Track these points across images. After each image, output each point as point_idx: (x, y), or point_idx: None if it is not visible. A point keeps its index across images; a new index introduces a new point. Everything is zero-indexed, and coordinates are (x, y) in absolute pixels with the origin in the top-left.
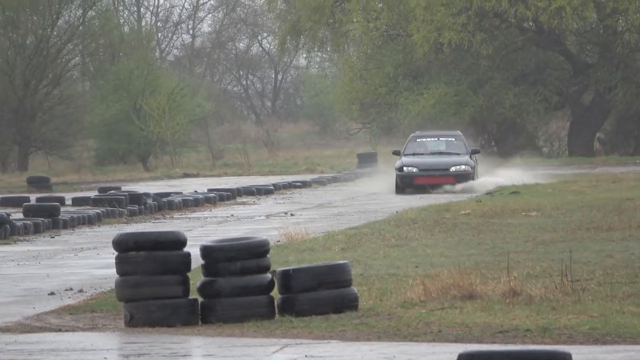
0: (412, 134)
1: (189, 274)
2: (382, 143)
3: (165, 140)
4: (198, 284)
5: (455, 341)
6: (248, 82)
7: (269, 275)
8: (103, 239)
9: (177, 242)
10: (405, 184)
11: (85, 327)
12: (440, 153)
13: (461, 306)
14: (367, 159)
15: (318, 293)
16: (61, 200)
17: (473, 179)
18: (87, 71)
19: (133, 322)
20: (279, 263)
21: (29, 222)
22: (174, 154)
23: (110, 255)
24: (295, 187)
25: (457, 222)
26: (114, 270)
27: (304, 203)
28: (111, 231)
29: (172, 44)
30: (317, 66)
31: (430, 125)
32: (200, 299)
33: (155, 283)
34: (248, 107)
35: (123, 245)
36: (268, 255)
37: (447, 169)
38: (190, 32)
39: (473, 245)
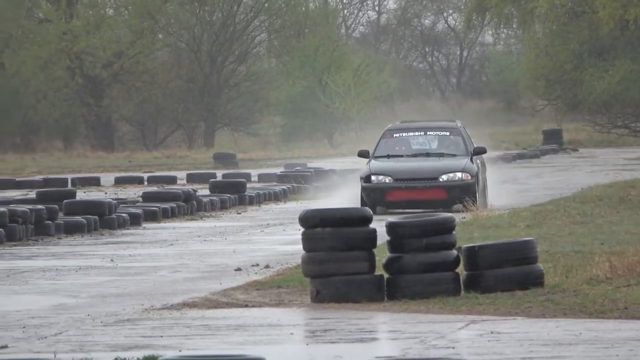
0: (389, 126)
1: (375, 250)
2: (567, 120)
3: (350, 116)
4: (384, 260)
5: None
6: (433, 58)
7: (454, 252)
8: (289, 215)
9: (362, 218)
10: (374, 201)
11: (271, 302)
12: (427, 154)
13: None
14: (552, 136)
15: (503, 270)
16: (247, 177)
17: (475, 192)
18: (272, 48)
19: (319, 298)
20: (464, 240)
21: (215, 198)
22: (359, 131)
23: (296, 232)
24: None
25: None
26: (299, 246)
27: (489, 180)
28: (297, 207)
29: (357, 21)
30: (502, 43)
31: (615, 103)
32: (385, 275)
33: (341, 259)
34: (433, 84)
35: (309, 221)
36: (454, 232)
37: (435, 178)
38: (376, 8)
39: None
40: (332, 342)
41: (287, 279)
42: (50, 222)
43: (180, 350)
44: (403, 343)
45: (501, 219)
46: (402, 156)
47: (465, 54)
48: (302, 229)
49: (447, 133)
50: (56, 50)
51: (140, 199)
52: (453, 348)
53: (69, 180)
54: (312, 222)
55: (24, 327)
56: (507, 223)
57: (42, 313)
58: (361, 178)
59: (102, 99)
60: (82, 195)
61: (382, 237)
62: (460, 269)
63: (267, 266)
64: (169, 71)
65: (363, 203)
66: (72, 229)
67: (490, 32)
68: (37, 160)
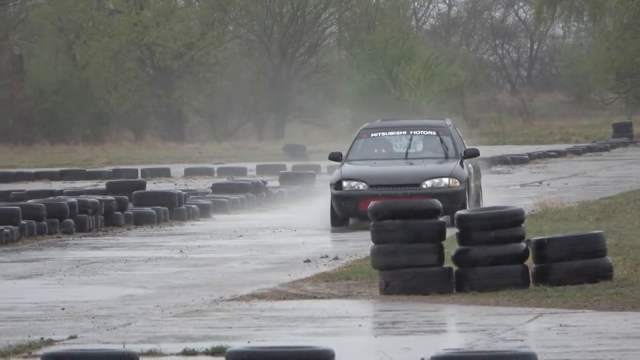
0: (365, 125)
1: (444, 243)
2: (638, 113)
3: (420, 109)
4: (452, 252)
5: None
6: (504, 51)
7: (523, 245)
8: None
9: (431, 210)
10: (345, 212)
11: (340, 294)
12: (410, 157)
13: None
14: (622, 129)
15: (572, 263)
16: (317, 169)
17: (466, 200)
18: (342, 40)
19: (388, 290)
20: (533, 232)
21: (284, 189)
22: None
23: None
24: (550, 156)
25: None
26: (368, 238)
27: (558, 172)
28: None
29: (428, 13)
30: (572, 36)
31: None
32: (454, 268)
33: (410, 251)
34: (503, 77)
35: (378, 213)
36: (522, 225)
37: (417, 185)
38: (446, 1)
39: None
40: (401, 334)
41: (356, 270)
42: (119, 213)
43: (249, 342)
44: (471, 335)
45: (570, 212)
46: (379, 159)
47: (535, 46)
48: (371, 221)
49: (434, 133)
50: (126, 42)
51: (210, 190)
52: (521, 340)
53: (139, 171)
54: (382, 214)
55: (93, 318)
56: (576, 216)
57: (111, 304)
58: (331, 184)
59: (172, 90)
60: (151, 186)
61: (451, 230)
62: (529, 262)
63: (336, 258)
64: (239, 63)
65: (333, 214)
66: (141, 220)
67: (560, 25)
68: (107, 151)
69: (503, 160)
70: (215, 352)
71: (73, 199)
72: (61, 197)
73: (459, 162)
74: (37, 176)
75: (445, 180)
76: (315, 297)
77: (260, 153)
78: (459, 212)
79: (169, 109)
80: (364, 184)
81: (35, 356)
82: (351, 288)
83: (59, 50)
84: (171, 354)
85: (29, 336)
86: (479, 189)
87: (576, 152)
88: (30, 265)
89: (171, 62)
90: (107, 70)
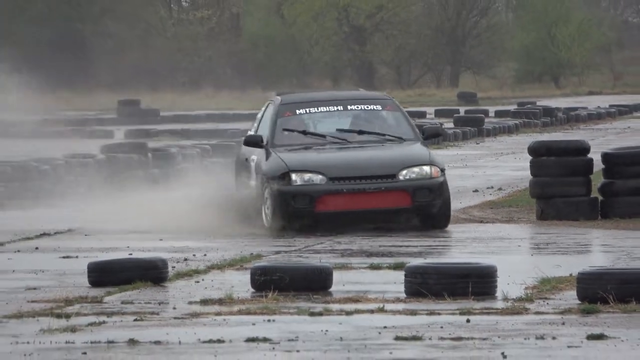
0: (280, 100)
1: (591, 177)
2: None
3: (574, 63)
4: (598, 185)
5: None
6: None
7: None
8: (520, 145)
9: (582, 149)
10: (296, 213)
11: (502, 219)
12: (360, 141)
13: None
14: None
15: None
16: (485, 113)
17: (449, 195)
18: (510, 3)
19: (543, 216)
20: None
21: (458, 130)
22: (581, 75)
23: (524, 160)
24: None
25: None
26: (527, 172)
27: None
28: (527, 139)
29: None
30: None
31: None
32: (600, 198)
33: (562, 184)
34: None
35: (537, 151)
36: None
37: (393, 176)
38: None
39: None
40: (553, 254)
41: (517, 199)
42: None
43: (425, 258)
44: (613, 255)
45: None
46: (320, 144)
47: None
48: (530, 157)
49: (379, 107)
50: (327, 4)
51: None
52: None
53: None
54: (539, 151)
55: (293, 239)
56: None
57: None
58: (270, 178)
59: (365, 45)
60: None
61: (598, 165)
62: None
63: (500, 188)
64: (421, 22)
65: (276, 218)
66: None
67: None
68: None
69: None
70: (396, 267)
71: None
72: None
73: (422, 144)
74: (249, 117)
75: (426, 168)
76: (481, 222)
77: (438, 99)
78: (604, 151)
79: (362, 62)
80: (321, 176)
81: (247, 268)
82: (512, 214)
83: (270, 10)
84: (359, 268)
85: (240, 252)
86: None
87: None
88: None
89: (364, 21)
90: (310, 28)
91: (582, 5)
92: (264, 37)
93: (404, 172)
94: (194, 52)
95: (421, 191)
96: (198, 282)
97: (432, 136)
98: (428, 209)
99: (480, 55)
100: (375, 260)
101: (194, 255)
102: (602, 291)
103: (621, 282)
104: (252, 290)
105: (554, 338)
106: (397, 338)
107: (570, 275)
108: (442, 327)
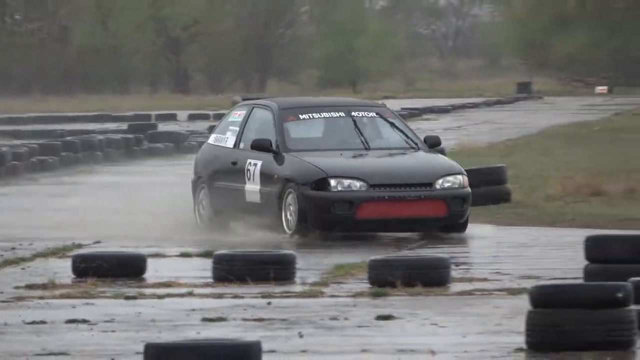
0: (281, 104)
1: None
2: (537, 75)
3: (371, 71)
4: None
5: (585, 227)
6: (435, 27)
7: None
8: None
9: None
10: (337, 219)
11: None
12: (373, 148)
13: (590, 201)
14: (524, 87)
15: (479, 189)
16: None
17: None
18: (313, 16)
19: None
20: None
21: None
22: (376, 81)
23: None
24: (467, 107)
25: (592, 136)
26: None
27: (473, 120)
28: None
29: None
30: (488, 14)
31: (573, 63)
32: None
33: None
34: (434, 46)
35: None
36: None
37: (431, 184)
38: None
39: (602, 154)
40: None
41: None
42: (136, 147)
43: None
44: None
45: (481, 150)
46: (338, 149)
47: (460, 23)
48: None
49: (374, 115)
50: (146, 17)
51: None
52: None
53: (152, 116)
54: None
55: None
56: (485, 153)
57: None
58: (300, 184)
59: (180, 55)
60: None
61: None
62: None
63: None
64: (233, 34)
65: (301, 225)
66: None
67: (479, 7)
68: (129, 100)
69: (430, 110)
70: (206, 255)
71: (101, 137)
72: (93, 134)
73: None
74: (75, 119)
75: (460, 177)
76: None
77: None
78: None
79: (177, 69)
80: (362, 182)
81: (69, 256)
82: None
83: (96, 23)
84: (171, 256)
85: (63, 241)
86: None
87: (488, 104)
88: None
89: (181, 32)
90: (130, 39)
91: (378, 18)
92: (89, 47)
93: (440, 181)
94: (26, 61)
95: (455, 201)
96: (24, 269)
97: (434, 145)
98: (459, 218)
99: (286, 63)
100: (186, 249)
101: (20, 244)
102: (390, 276)
103: (408, 267)
104: (73, 276)
105: (346, 319)
106: (204, 319)
107: (363, 261)
108: (245, 309)
